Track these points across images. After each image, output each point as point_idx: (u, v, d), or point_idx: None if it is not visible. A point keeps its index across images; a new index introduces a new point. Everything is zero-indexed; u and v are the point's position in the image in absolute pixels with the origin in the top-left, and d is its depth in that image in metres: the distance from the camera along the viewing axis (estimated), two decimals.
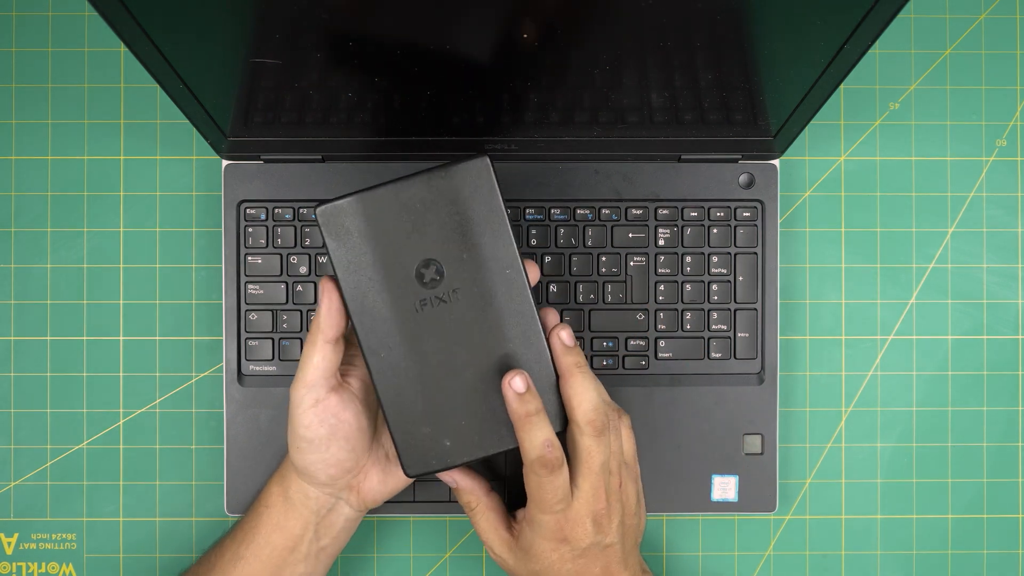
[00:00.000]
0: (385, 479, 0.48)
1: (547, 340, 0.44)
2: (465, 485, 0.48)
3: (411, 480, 0.49)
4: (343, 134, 0.51)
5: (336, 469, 0.45)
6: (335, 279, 0.43)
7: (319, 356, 0.44)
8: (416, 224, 0.43)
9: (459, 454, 0.44)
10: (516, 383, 0.42)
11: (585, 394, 0.43)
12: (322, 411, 0.44)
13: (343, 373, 0.46)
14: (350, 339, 0.47)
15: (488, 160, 0.42)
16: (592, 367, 0.55)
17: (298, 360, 0.54)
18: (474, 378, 0.44)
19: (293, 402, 0.44)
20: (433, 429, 0.44)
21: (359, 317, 0.43)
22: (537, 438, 0.42)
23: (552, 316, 0.46)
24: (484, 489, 0.48)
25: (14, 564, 0.56)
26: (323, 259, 0.54)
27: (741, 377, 0.55)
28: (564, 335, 0.44)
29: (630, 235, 0.55)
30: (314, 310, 0.54)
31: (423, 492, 0.54)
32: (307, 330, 0.54)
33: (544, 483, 0.43)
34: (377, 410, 0.48)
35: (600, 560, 0.45)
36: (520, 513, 0.48)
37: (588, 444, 0.43)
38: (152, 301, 0.56)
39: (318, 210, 0.42)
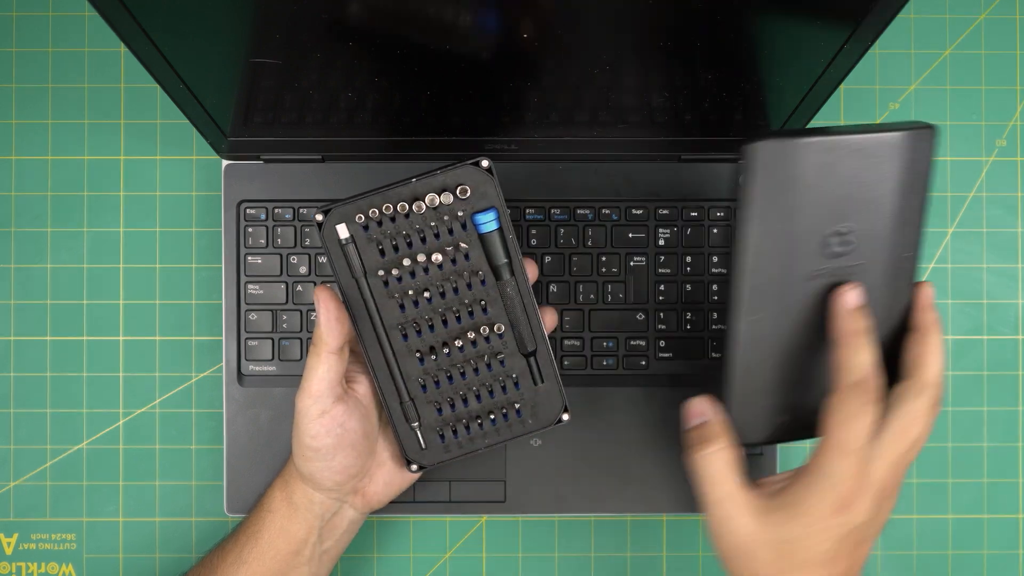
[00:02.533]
0: (390, 481, 0.48)
1: (912, 294, 0.42)
2: (712, 415, 0.41)
3: (415, 478, 0.49)
4: (343, 134, 0.51)
5: (342, 475, 0.45)
6: (342, 285, 0.43)
7: (324, 367, 0.43)
8: None
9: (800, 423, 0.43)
10: (851, 296, 0.38)
11: (940, 358, 0.38)
12: (329, 421, 0.44)
13: (347, 379, 0.46)
14: (354, 348, 0.47)
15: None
16: (591, 367, 0.55)
17: (298, 360, 0.54)
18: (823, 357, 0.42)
19: (299, 412, 0.44)
20: (773, 401, 0.43)
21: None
22: (864, 359, 0.37)
23: (550, 316, 0.47)
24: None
25: (14, 564, 0.56)
26: (323, 259, 0.54)
27: None
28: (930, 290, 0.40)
29: (630, 235, 0.55)
30: (314, 310, 0.54)
31: (423, 492, 0.54)
32: (307, 330, 0.54)
33: (854, 414, 0.37)
34: (381, 413, 0.48)
35: (854, 553, 0.39)
36: (765, 481, 0.42)
37: (919, 409, 0.37)
38: (152, 301, 0.56)
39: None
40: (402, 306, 0.45)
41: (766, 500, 0.39)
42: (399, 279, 0.44)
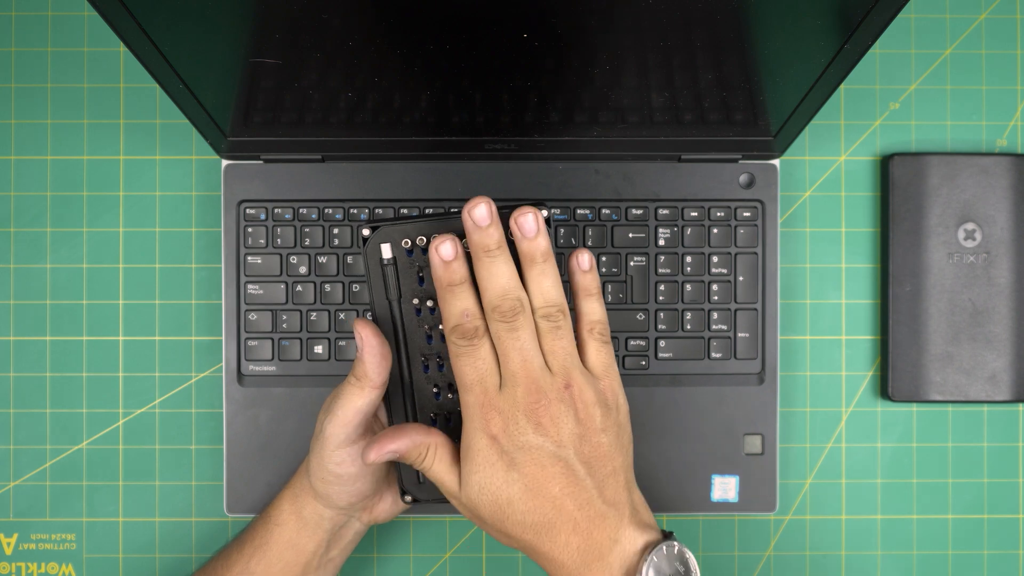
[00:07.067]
0: (397, 500, 0.48)
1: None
2: (404, 446, 0.41)
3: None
4: (343, 134, 0.51)
5: (357, 497, 0.46)
6: (374, 304, 0.43)
7: (364, 401, 0.42)
8: None
9: None
10: (444, 249, 0.40)
11: (491, 279, 0.40)
12: (355, 451, 0.44)
13: None
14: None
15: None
16: None
17: (298, 360, 0.54)
18: None
19: (326, 436, 0.43)
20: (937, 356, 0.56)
21: None
22: (456, 307, 0.40)
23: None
24: (423, 431, 0.42)
25: (14, 564, 0.56)
26: (323, 259, 0.54)
27: (741, 377, 0.55)
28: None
29: (630, 235, 0.55)
30: (314, 310, 0.54)
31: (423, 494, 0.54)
32: (307, 330, 0.54)
33: (462, 353, 0.40)
34: None
35: (555, 473, 0.39)
36: None
37: (496, 328, 0.40)
38: (152, 301, 0.56)
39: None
40: (429, 337, 0.44)
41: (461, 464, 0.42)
42: (432, 310, 0.43)
